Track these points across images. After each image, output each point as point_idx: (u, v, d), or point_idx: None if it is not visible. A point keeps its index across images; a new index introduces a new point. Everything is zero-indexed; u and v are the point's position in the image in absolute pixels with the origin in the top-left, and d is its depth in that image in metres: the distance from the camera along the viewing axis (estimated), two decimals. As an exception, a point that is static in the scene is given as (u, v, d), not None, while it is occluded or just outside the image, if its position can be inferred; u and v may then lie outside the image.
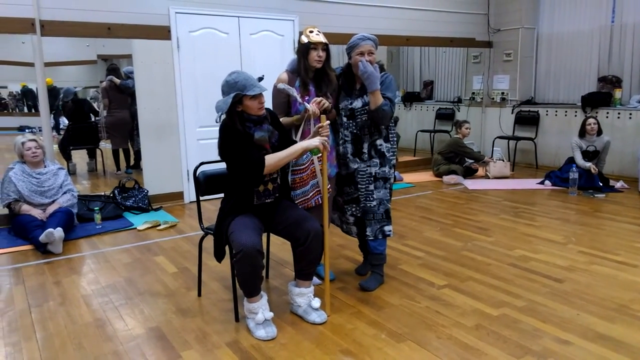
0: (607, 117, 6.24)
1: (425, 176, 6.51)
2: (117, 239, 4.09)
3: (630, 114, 6.05)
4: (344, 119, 2.87)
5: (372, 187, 2.86)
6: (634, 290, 2.91)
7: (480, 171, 6.47)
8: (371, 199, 2.87)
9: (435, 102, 8.56)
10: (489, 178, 6.30)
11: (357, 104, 2.82)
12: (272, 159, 2.42)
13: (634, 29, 6.19)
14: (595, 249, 3.61)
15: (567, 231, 4.07)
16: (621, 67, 6.39)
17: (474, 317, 2.60)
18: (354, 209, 2.94)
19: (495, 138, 7.27)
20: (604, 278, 3.09)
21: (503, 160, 6.44)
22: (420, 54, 8.84)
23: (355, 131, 2.85)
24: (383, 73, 2.83)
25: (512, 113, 7.33)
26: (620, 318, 2.57)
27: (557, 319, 2.57)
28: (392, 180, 2.96)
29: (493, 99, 7.55)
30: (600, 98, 6.34)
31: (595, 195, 5.23)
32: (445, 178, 6.14)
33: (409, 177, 6.39)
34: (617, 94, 6.28)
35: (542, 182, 5.86)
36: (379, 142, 2.86)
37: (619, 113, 6.17)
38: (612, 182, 5.61)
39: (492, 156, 6.76)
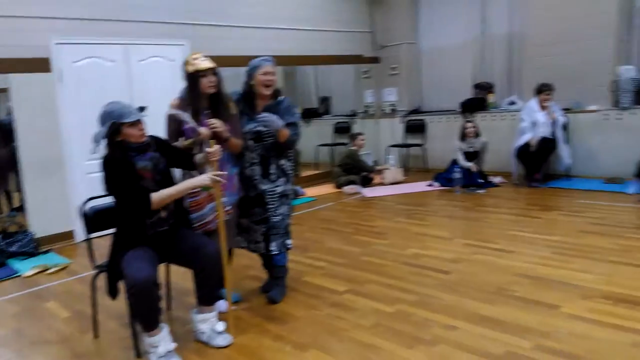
0: (483, 120, 6.90)
1: (327, 189, 6.71)
2: (1, 289, 3.75)
3: (503, 116, 6.76)
4: (250, 142, 2.93)
5: (277, 203, 2.96)
6: (510, 273, 3.25)
7: (377, 179, 6.82)
8: (276, 214, 2.96)
9: (332, 116, 8.89)
10: (385, 185, 6.66)
11: (262, 127, 2.89)
12: (159, 197, 2.39)
13: (500, 39, 6.97)
14: (478, 240, 3.98)
15: (453, 226, 4.44)
16: (492, 74, 7.13)
17: (372, 316, 2.76)
18: (263, 228, 3.00)
19: (389, 146, 7.73)
20: (485, 265, 3.42)
21: (395, 167, 6.86)
22: (314, 72, 9.15)
23: (262, 153, 2.94)
24: (281, 98, 2.97)
25: (399, 123, 7.84)
26: (499, 300, 2.86)
27: (445, 307, 2.80)
28: (292, 195, 3.10)
29: (384, 110, 8.03)
30: (476, 103, 7.00)
31: (477, 192, 5.75)
32: (345, 189, 6.40)
33: (311, 191, 6.55)
34: (491, 98, 6.99)
35: (430, 184, 6.32)
36: (282, 161, 2.99)
37: (493, 115, 6.87)
38: (490, 178, 6.17)
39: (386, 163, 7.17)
